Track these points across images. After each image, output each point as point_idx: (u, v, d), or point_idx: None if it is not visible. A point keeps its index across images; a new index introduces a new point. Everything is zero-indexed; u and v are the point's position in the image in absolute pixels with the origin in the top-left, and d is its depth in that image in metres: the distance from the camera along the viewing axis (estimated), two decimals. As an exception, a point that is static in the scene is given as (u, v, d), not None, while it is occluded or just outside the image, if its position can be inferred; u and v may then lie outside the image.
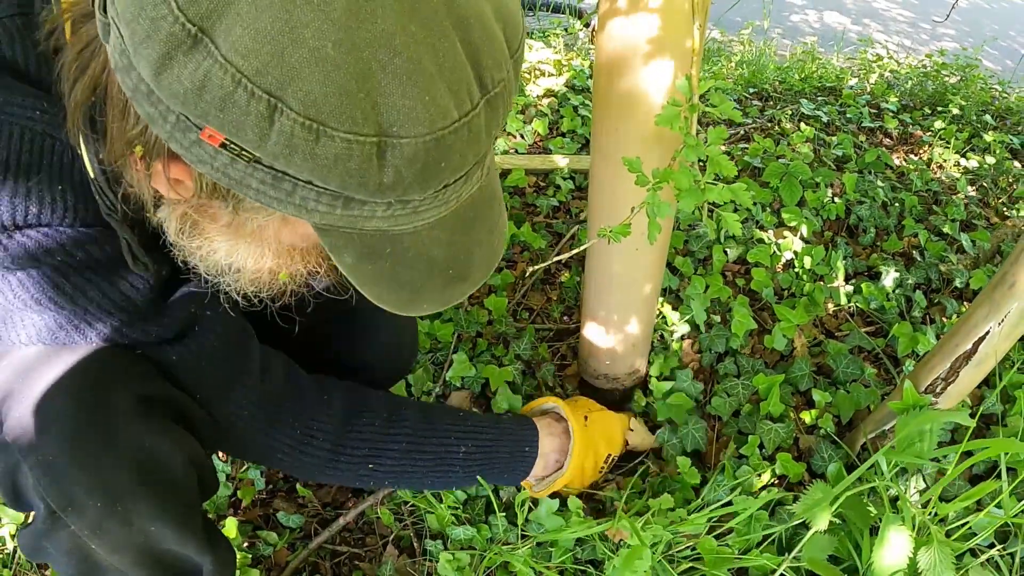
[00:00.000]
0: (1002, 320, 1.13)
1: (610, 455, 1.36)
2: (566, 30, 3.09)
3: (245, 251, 0.80)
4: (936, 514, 1.19)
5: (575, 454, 1.28)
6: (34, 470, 0.82)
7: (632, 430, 1.43)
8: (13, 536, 1.35)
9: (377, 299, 0.76)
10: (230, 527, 1.32)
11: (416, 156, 0.61)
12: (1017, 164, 2.49)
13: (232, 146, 0.60)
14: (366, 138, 0.59)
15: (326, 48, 0.56)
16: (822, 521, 1.12)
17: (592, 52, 2.88)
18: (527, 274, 1.62)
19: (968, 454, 1.39)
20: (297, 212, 0.65)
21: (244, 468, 1.47)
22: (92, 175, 0.77)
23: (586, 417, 1.35)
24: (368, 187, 0.62)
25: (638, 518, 1.23)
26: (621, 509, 1.27)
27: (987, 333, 1.15)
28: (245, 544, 1.37)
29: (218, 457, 1.46)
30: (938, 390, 1.24)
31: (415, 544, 1.37)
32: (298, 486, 1.43)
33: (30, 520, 0.93)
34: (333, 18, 0.56)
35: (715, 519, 1.26)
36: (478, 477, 1.24)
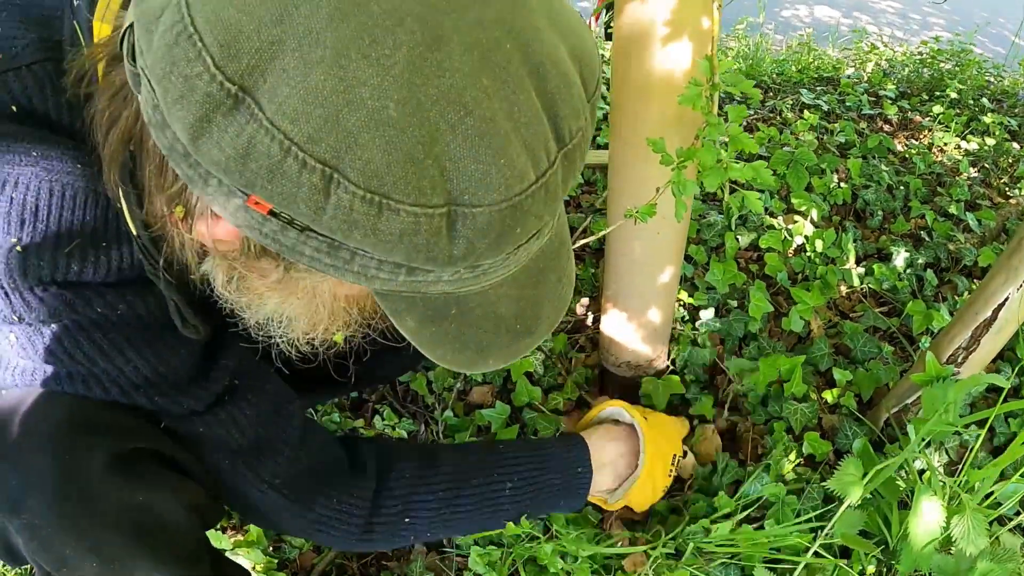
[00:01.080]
0: (1021, 285, 1.14)
1: (675, 455, 1.30)
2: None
3: (297, 308, 0.75)
4: (967, 480, 1.20)
5: (647, 451, 1.23)
6: (22, 534, 0.77)
7: (685, 453, 1.37)
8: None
9: (440, 360, 0.71)
10: (254, 532, 1.32)
11: (491, 225, 0.55)
12: (1016, 145, 2.51)
13: (282, 215, 0.54)
14: (435, 210, 0.53)
15: (387, 109, 0.50)
16: (855, 495, 1.13)
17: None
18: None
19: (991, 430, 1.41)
20: (356, 279, 0.59)
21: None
22: (135, 232, 0.71)
23: (645, 417, 1.30)
24: (437, 260, 0.56)
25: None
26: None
27: (1006, 299, 1.16)
28: (271, 548, 1.36)
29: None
30: (960, 360, 1.25)
31: (444, 540, 1.37)
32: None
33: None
34: (394, 74, 0.50)
35: (745, 508, 1.26)
36: (532, 511, 1.18)
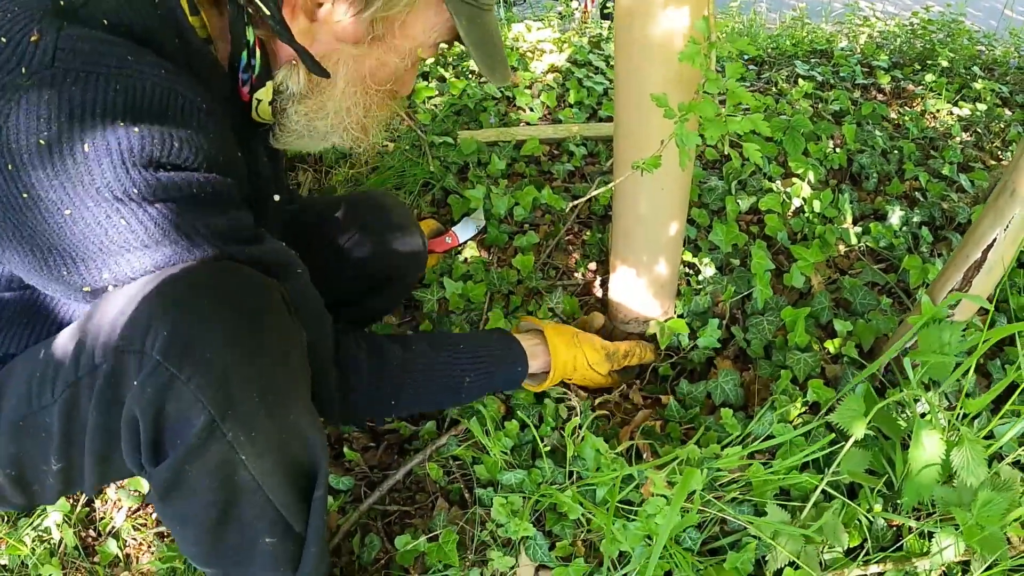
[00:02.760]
0: (1007, 226, 1.19)
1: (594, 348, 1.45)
2: (560, 14, 3.17)
3: (374, 56, 1.02)
4: (966, 415, 1.24)
5: (554, 353, 1.39)
6: (193, 379, 0.84)
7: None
8: (59, 525, 1.40)
9: (480, 59, 1.03)
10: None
11: None
12: (1007, 111, 2.56)
13: None
14: None
15: None
16: (858, 429, 1.18)
17: (588, 30, 2.96)
18: (569, 208, 1.70)
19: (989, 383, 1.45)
20: None
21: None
22: (267, 10, 0.93)
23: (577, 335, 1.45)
24: None
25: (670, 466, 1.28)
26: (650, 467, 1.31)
27: (994, 241, 1.22)
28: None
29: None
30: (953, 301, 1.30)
31: (466, 495, 1.41)
32: (345, 450, 1.48)
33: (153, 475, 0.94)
34: None
35: (755, 449, 1.32)
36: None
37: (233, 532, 0.99)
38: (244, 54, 0.99)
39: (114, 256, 0.88)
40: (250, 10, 0.95)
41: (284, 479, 0.98)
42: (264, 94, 1.04)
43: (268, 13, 0.93)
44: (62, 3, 0.86)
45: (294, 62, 1.02)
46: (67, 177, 0.82)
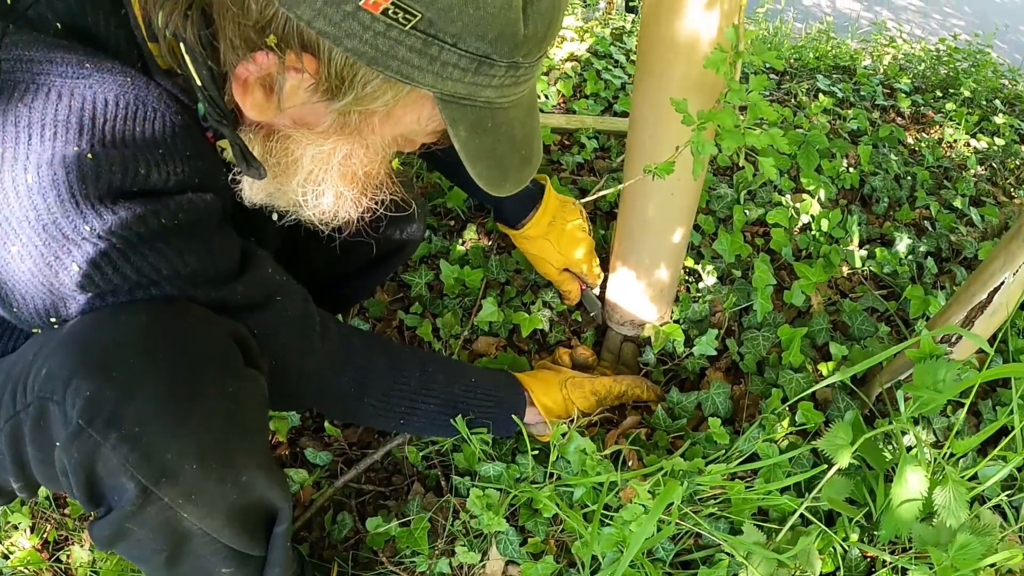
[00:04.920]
0: (1017, 270, 1.17)
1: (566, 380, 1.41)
2: (585, 3, 3.14)
3: (342, 150, 0.85)
4: (953, 454, 1.23)
5: (544, 412, 1.35)
6: (119, 448, 0.75)
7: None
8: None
9: (478, 176, 0.85)
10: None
11: (546, 11, 0.73)
12: (1025, 148, 2.54)
13: (394, 10, 0.66)
14: None
15: None
16: (844, 458, 1.17)
17: (611, 21, 2.93)
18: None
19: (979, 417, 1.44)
20: (435, 81, 0.73)
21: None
22: (200, 83, 0.77)
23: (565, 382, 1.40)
24: (515, 38, 0.72)
25: (653, 476, 1.27)
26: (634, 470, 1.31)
27: (1002, 283, 1.20)
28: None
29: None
30: (953, 340, 1.29)
31: (442, 483, 1.40)
32: (326, 425, 1.47)
33: (98, 513, 0.85)
34: None
35: (738, 466, 1.30)
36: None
37: (187, 566, 0.93)
38: (200, 106, 0.84)
39: (64, 299, 0.79)
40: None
41: (236, 528, 0.91)
42: (226, 144, 0.90)
43: (200, 85, 0.77)
44: (8, 2, 0.75)
45: (250, 136, 0.86)
46: (10, 211, 0.73)
